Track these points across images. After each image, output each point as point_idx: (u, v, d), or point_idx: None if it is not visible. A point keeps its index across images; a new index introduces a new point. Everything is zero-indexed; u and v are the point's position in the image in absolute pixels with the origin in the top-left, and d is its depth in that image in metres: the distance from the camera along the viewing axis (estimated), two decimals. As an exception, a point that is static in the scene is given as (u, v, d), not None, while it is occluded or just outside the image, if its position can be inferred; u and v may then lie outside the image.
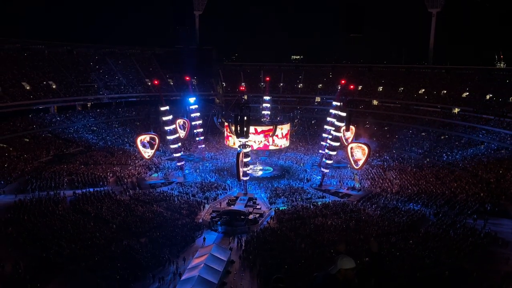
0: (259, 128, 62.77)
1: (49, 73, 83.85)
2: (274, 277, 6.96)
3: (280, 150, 70.63)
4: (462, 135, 75.65)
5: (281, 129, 64.54)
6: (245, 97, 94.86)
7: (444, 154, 69.86)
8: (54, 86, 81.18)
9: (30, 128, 71.36)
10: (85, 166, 60.00)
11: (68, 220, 39.64)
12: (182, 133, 67.40)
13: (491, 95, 79.42)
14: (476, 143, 71.16)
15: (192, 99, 68.19)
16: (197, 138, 69.79)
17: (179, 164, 58.88)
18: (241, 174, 50.00)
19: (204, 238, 37.95)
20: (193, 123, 68.09)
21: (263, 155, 70.32)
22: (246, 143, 51.00)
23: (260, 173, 62.36)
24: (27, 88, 76.49)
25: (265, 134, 62.75)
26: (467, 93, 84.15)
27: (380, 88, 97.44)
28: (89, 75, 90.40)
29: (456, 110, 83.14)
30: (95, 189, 50.09)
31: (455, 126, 79.24)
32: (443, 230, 38.52)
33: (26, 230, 36.83)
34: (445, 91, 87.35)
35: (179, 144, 59.94)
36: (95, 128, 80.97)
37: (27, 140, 67.92)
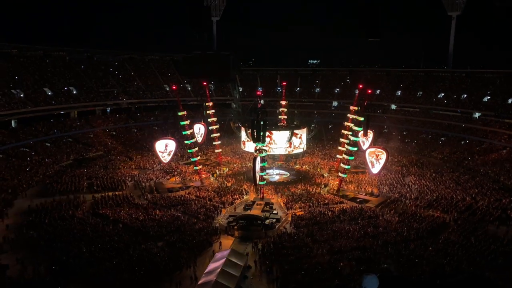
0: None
1: (70, 78, 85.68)
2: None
3: (296, 155, 70.37)
4: (483, 140, 74.18)
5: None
6: (262, 101, 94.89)
7: (464, 160, 68.54)
8: (74, 92, 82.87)
9: (51, 133, 72.93)
10: (104, 170, 60.91)
11: (88, 224, 40.27)
12: (199, 138, 67.74)
13: (513, 99, 77.76)
14: (497, 148, 69.64)
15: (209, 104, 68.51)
16: (214, 143, 70.03)
17: (196, 168, 59.15)
18: (257, 178, 49.97)
19: (220, 243, 37.99)
20: (210, 127, 68.39)
21: (279, 159, 70.14)
22: (263, 147, 50.97)
23: (276, 177, 62.18)
24: (49, 93, 78.25)
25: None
26: (488, 97, 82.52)
27: (399, 93, 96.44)
28: (109, 81, 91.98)
29: (477, 114, 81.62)
30: (114, 193, 50.77)
31: (476, 130, 77.79)
32: (464, 237, 37.69)
33: (47, 233, 37.59)
34: (465, 95, 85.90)
35: (196, 148, 60.25)
36: (114, 133, 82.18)
37: (48, 144, 69.39)
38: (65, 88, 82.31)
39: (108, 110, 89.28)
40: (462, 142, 76.90)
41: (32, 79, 79.27)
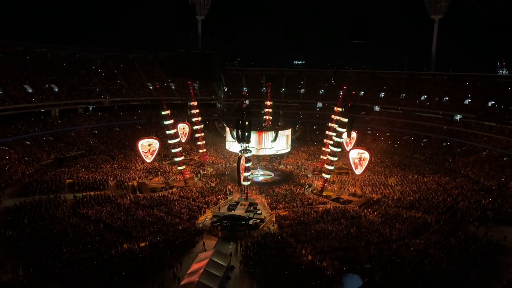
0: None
1: (51, 76, 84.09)
2: None
3: (281, 156, 70.54)
4: (464, 142, 75.49)
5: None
6: (247, 102, 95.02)
7: (446, 161, 69.65)
8: (56, 89, 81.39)
9: (31, 131, 71.43)
10: (86, 170, 59.98)
11: (68, 224, 39.54)
12: (183, 138, 67.29)
13: (493, 102, 79.36)
14: (478, 150, 70.97)
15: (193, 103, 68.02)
16: (198, 143, 69.66)
17: (179, 168, 58.73)
18: (242, 179, 49.92)
19: (204, 243, 37.78)
20: (194, 127, 67.99)
21: (264, 160, 70.20)
22: (248, 147, 50.98)
23: (261, 178, 62.20)
24: (29, 91, 76.66)
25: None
26: (469, 100, 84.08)
27: (382, 94, 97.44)
28: (91, 79, 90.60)
29: (458, 116, 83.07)
30: (96, 192, 50.01)
31: (457, 132, 79.13)
32: (445, 238, 38.28)
33: (26, 233, 36.77)
34: (447, 98, 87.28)
35: (180, 148, 59.82)
36: (96, 132, 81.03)
37: (29, 143, 67.99)
38: (46, 86, 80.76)
39: (90, 109, 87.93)
40: (444, 144, 78.14)
41: (12, 76, 77.54)
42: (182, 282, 29.25)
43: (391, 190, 54.67)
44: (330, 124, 61.10)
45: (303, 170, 66.73)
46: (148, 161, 58.49)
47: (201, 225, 42.50)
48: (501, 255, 35.14)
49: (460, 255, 34.14)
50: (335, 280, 28.99)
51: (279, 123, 72.62)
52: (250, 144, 52.25)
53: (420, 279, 29.98)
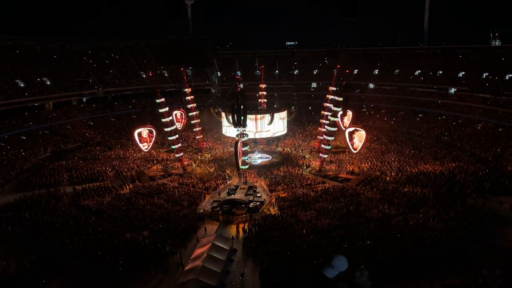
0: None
1: (43, 69, 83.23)
2: (260, 271, 6.79)
3: (278, 138, 70.63)
4: (459, 115, 75.74)
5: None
6: (241, 85, 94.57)
7: (442, 135, 69.98)
8: (48, 82, 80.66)
9: (26, 126, 71.02)
10: (83, 162, 59.96)
11: (70, 216, 39.74)
12: (179, 125, 67.16)
13: (487, 74, 79.29)
14: (473, 123, 71.26)
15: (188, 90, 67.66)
16: (194, 129, 69.56)
17: (177, 155, 58.76)
18: (240, 163, 50.08)
19: (205, 228, 38.11)
20: (189, 114, 67.81)
21: (261, 143, 70.25)
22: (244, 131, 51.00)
23: (259, 161, 62.36)
24: (21, 85, 75.94)
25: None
26: (463, 73, 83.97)
27: (376, 71, 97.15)
28: (83, 70, 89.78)
29: (453, 90, 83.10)
30: (95, 184, 50.12)
31: (452, 106, 79.33)
32: (443, 211, 38.72)
33: (28, 228, 36.96)
34: (441, 72, 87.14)
35: (177, 135, 59.77)
36: (92, 123, 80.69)
37: (24, 137, 67.70)
38: (38, 79, 79.97)
39: (84, 100, 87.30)
40: (439, 118, 78.38)
41: (3, 70, 76.68)
42: (186, 268, 29.62)
43: (388, 167, 55.02)
44: (325, 104, 61.06)
45: (300, 151, 66.91)
46: (145, 150, 58.51)
47: (201, 211, 42.78)
48: (499, 225, 35.65)
49: (459, 227, 34.62)
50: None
51: (275, 106, 72.49)
52: (247, 128, 52.27)
53: (420, 253, 30.46)
